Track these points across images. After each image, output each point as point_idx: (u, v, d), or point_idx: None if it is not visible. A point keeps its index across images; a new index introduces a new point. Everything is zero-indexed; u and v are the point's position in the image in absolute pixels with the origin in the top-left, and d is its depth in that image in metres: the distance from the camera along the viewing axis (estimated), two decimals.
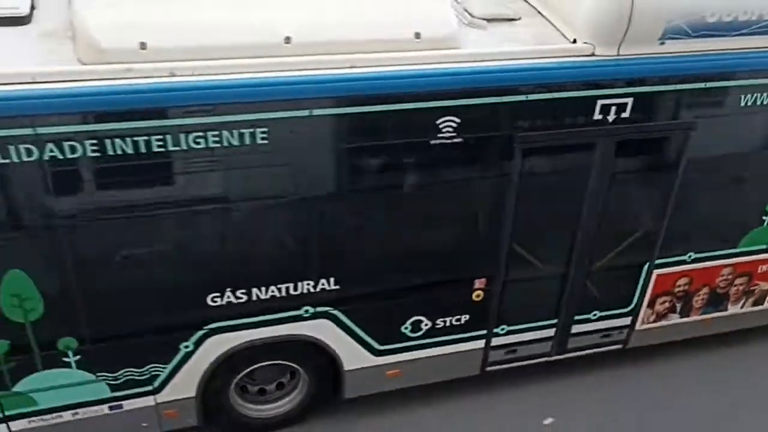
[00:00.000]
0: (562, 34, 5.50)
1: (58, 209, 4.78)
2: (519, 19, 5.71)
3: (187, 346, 5.61)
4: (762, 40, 5.61)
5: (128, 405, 5.74)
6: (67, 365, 5.41)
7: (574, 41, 5.40)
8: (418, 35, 5.05)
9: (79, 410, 5.66)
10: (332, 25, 4.94)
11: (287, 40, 4.83)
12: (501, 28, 5.58)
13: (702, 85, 5.61)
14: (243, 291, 5.45)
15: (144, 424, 5.91)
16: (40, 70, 4.51)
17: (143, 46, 4.61)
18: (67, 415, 5.66)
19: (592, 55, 5.35)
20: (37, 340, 5.21)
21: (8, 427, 5.57)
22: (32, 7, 5.12)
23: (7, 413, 5.50)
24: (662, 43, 5.42)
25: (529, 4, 5.93)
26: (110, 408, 5.71)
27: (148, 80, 4.58)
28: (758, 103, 5.81)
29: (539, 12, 5.79)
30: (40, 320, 5.11)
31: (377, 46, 4.98)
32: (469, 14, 5.61)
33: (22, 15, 5.00)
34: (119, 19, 4.67)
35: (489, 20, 5.58)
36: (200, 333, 5.57)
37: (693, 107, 5.71)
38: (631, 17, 5.23)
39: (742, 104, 5.80)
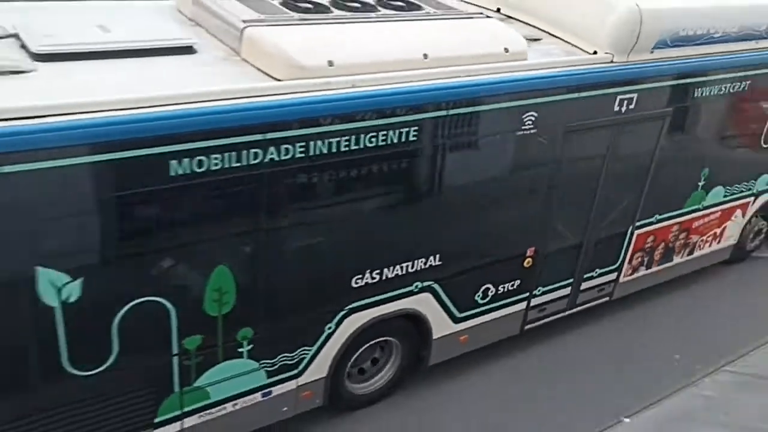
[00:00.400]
0: (581, 49, 7.19)
1: (273, 207, 5.59)
2: (540, 39, 7.33)
3: (330, 327, 6.46)
4: (718, 47, 7.70)
5: (277, 390, 6.45)
6: (240, 355, 6.07)
7: (595, 52, 7.11)
8: (507, 50, 6.50)
9: (238, 401, 6.28)
10: (449, 44, 6.25)
11: (425, 56, 6.06)
12: (534, 46, 7.16)
13: (676, 82, 7.58)
14: (377, 272, 6.45)
15: (284, 408, 6.61)
16: (252, 86, 5.35)
17: (331, 63, 5.62)
18: (229, 407, 6.25)
19: (611, 62, 7.10)
20: (224, 332, 5.85)
21: (182, 423, 6.06)
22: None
23: (185, 409, 6.00)
24: (652, 52, 7.30)
25: (536, 28, 7.56)
26: (263, 395, 6.38)
27: (337, 91, 5.59)
28: (712, 93, 7.91)
29: (552, 34, 7.44)
30: (230, 313, 5.78)
31: (479, 59, 6.34)
32: None
33: (191, 44, 5.77)
34: (308, 42, 5.64)
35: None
36: (342, 313, 6.46)
37: (669, 100, 7.64)
38: (639, 34, 7.05)
39: (696, 96, 7.85)
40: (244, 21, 5.81)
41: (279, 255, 5.84)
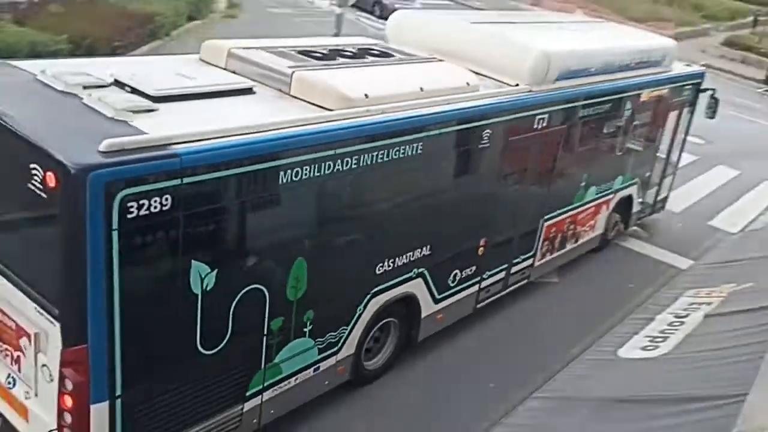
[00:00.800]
0: (506, 83, 9.35)
1: (335, 209, 7.18)
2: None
3: (360, 309, 8.03)
4: (599, 78, 10.22)
5: (323, 366, 7.89)
6: (304, 335, 7.49)
7: (517, 84, 9.31)
8: (468, 84, 8.54)
9: (298, 375, 7.66)
10: (433, 80, 8.19)
11: (421, 89, 7.95)
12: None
13: (572, 104, 9.99)
14: (392, 260, 8.14)
15: (326, 382, 8.05)
16: (318, 115, 6.97)
17: (366, 96, 7.36)
18: (292, 381, 7.61)
19: (530, 91, 9.34)
20: (296, 314, 7.28)
21: (262, 397, 7.34)
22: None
23: (265, 384, 7.31)
24: (554, 83, 9.64)
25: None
26: (314, 371, 7.80)
27: (379, 116, 7.32)
28: (590, 114, 10.41)
29: (479, 73, 9.58)
30: (301, 298, 7.24)
31: (453, 91, 8.33)
32: None
33: (251, 87, 7.27)
34: (347, 80, 7.35)
35: None
36: (368, 296, 8.06)
37: (564, 119, 10.02)
38: (548, 70, 9.37)
39: (581, 115, 10.31)
40: (290, 67, 7.40)
41: (336, 247, 7.40)
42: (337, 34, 14.81)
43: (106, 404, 5.79)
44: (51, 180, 5.32)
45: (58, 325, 5.64)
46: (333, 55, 8.18)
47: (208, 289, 6.30)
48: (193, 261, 6.11)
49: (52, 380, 5.84)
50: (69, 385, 5.67)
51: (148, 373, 6.02)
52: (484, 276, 9.83)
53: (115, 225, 5.35)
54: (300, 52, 8.01)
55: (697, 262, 12.61)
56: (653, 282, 11.82)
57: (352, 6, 20.65)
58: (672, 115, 12.83)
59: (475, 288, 9.74)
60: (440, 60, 8.96)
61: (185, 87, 6.74)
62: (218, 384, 6.82)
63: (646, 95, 11.68)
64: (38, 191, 5.43)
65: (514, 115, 8.97)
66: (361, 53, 8.47)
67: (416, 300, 8.78)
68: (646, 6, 35.80)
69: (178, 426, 6.47)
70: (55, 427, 5.84)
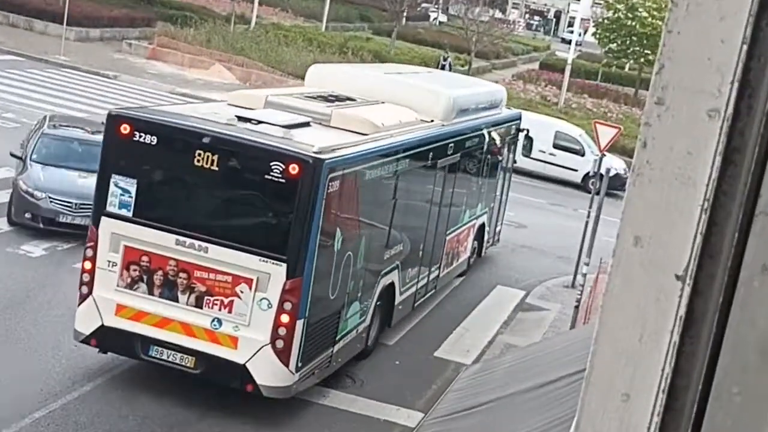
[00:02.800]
0: (424, 120, 13.16)
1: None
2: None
3: (377, 284, 11.00)
4: (480, 114, 14.20)
5: (358, 330, 10.83)
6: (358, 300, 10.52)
7: (432, 120, 13.11)
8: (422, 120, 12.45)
9: (353, 332, 10.43)
10: (405, 117, 12.03)
11: (400, 121, 11.71)
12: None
13: (466, 135, 14.00)
14: (391, 250, 11.45)
15: (358, 345, 10.69)
16: (367, 137, 10.41)
17: (383, 125, 10.97)
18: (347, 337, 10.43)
19: (442, 125, 13.24)
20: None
21: (333, 349, 9.96)
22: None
23: (337, 337, 10.01)
24: (454, 119, 13.67)
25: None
26: (356, 332, 10.63)
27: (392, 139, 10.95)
28: (472, 145, 14.41)
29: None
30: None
31: (415, 123, 12.21)
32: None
33: (307, 121, 10.26)
34: (368, 114, 10.82)
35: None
36: (381, 275, 10.96)
37: (462, 147, 13.94)
38: (453, 109, 13.40)
39: (466, 146, 14.37)
40: (328, 107, 10.63)
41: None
42: None
43: (303, 321, 8.73)
44: (294, 169, 8.41)
45: (284, 266, 8.56)
46: (332, 99, 11.21)
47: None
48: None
49: (269, 307, 8.62)
50: (288, 306, 8.57)
51: (315, 304, 8.95)
52: (421, 277, 13.44)
53: (323, 196, 8.56)
54: (312, 98, 11.04)
55: (426, 417, 7.47)
56: None
57: None
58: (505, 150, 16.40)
59: (416, 287, 12.66)
60: (382, 102, 12.09)
61: (290, 120, 9.86)
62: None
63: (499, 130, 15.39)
64: (277, 179, 8.47)
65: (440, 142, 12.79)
66: (342, 97, 11.52)
67: (394, 288, 11.54)
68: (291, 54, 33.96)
69: (318, 348, 9.40)
70: (267, 341, 8.63)
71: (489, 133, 14.86)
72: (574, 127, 26.00)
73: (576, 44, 37.38)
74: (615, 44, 37.72)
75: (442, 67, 32.73)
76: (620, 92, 38.42)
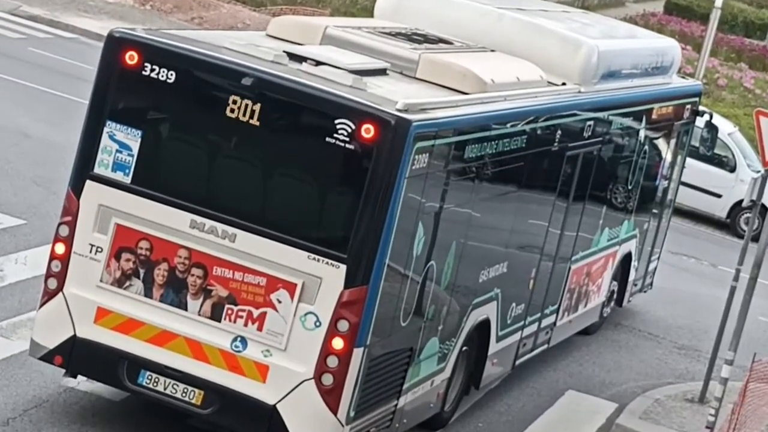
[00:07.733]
0: (551, 83, 9.09)
1: None
2: None
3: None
4: (637, 81, 10.17)
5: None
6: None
7: (563, 83, 9.18)
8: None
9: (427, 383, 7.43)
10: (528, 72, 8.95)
11: (518, 79, 8.70)
12: None
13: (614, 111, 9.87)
14: (489, 270, 8.21)
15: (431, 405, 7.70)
16: (469, 97, 7.42)
17: (493, 81, 7.93)
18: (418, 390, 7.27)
19: (579, 91, 9.27)
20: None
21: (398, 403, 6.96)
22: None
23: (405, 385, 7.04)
24: (598, 84, 9.45)
25: None
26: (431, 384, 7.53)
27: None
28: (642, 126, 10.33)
29: None
30: None
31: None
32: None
33: (385, 67, 7.29)
34: (476, 66, 7.81)
35: None
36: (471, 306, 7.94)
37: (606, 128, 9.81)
38: (596, 73, 9.45)
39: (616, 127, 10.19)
40: (414, 50, 7.56)
41: None
42: None
43: (363, 350, 6.08)
44: (368, 132, 6.03)
45: (342, 268, 6.07)
46: (418, 38, 8.15)
47: None
48: None
49: (317, 326, 6.08)
50: (344, 326, 6.04)
51: (381, 329, 6.32)
52: None
53: (406, 173, 6.09)
54: (390, 35, 7.94)
55: None
56: None
57: None
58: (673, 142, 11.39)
59: None
60: (492, 50, 8.87)
61: (360, 63, 7.04)
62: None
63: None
64: (344, 144, 6.08)
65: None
66: (432, 38, 8.42)
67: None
68: None
69: (379, 395, 6.61)
70: (311, 376, 5.95)
71: (650, 111, 10.44)
72: (721, 119, 15.97)
73: None
74: None
75: None
76: None
